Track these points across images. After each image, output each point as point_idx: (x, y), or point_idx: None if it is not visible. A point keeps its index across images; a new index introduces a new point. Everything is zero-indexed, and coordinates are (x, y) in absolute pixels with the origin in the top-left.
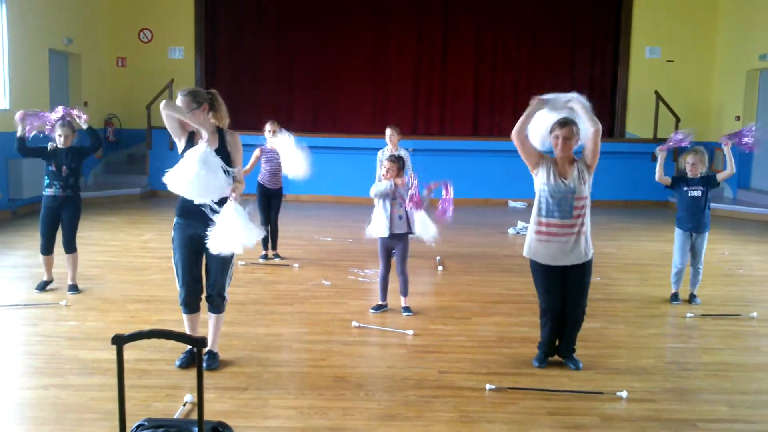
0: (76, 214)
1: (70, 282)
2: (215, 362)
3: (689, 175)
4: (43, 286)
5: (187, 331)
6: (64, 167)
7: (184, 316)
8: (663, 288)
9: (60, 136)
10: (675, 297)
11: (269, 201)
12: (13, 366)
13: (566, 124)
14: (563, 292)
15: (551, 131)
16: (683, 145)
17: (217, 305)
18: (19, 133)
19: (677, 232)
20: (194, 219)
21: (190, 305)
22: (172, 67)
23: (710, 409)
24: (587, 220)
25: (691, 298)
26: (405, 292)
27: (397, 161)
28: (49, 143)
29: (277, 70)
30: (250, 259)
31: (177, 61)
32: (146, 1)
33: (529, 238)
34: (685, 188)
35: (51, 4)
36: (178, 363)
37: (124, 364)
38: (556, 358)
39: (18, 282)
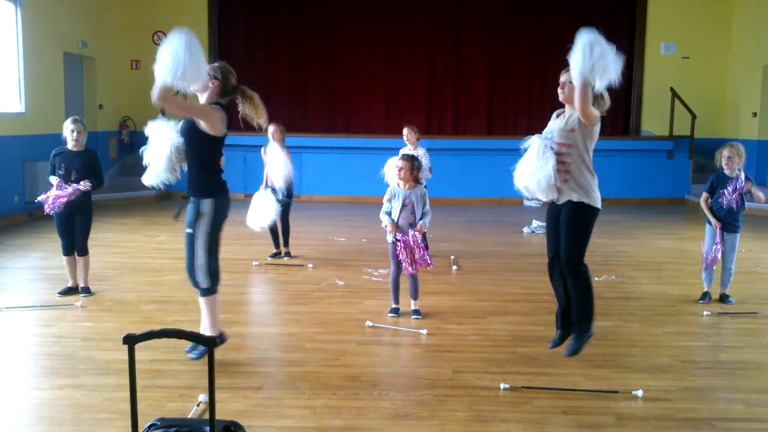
0: (87, 219)
1: (81, 284)
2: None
3: (726, 171)
4: (66, 292)
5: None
6: (74, 172)
7: (215, 299)
8: (679, 286)
9: (72, 131)
10: (704, 296)
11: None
12: (28, 367)
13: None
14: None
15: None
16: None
17: None
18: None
19: (707, 225)
20: None
21: None
22: None
23: (727, 408)
24: (575, 168)
25: (723, 298)
26: (415, 296)
27: (411, 161)
28: (54, 150)
29: (290, 71)
30: (263, 260)
31: None
32: (160, 4)
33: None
34: (722, 198)
35: (65, 8)
36: (195, 356)
37: (136, 363)
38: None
39: (34, 283)
